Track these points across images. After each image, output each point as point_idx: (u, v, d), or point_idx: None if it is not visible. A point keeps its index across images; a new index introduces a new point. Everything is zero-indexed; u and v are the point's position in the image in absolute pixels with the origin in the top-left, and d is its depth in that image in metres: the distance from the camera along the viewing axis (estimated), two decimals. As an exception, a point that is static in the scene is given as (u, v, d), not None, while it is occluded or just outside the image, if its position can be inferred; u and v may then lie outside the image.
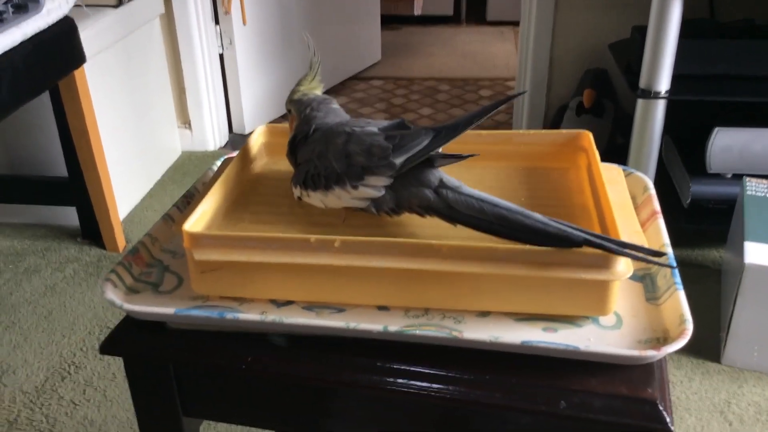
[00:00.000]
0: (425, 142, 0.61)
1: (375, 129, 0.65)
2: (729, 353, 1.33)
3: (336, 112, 0.71)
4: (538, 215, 0.58)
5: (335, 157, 0.64)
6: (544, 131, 0.78)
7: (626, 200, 0.70)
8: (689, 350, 1.37)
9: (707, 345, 1.38)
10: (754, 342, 1.30)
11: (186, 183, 2.11)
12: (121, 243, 1.77)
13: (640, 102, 1.50)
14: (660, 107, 1.49)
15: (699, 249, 1.70)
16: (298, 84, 0.75)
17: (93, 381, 1.35)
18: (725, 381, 1.31)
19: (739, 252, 1.29)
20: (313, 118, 0.70)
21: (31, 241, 1.82)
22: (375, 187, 0.63)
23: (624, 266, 0.57)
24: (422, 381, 0.58)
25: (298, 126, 0.71)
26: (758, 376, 1.31)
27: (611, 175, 0.74)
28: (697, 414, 1.24)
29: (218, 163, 0.83)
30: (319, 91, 0.75)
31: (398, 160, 0.61)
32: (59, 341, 1.46)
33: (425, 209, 0.63)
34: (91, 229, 1.77)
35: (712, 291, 1.53)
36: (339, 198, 0.65)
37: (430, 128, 0.62)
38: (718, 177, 1.58)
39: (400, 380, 0.58)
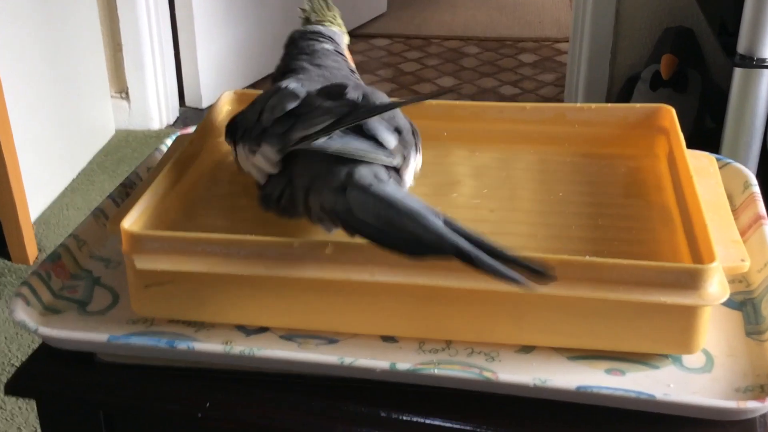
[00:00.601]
0: (326, 122, 0.62)
1: (316, 88, 0.68)
2: None
3: (330, 68, 0.73)
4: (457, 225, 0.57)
5: (255, 109, 0.68)
6: (609, 105, 0.79)
7: (721, 200, 0.70)
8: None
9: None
10: None
11: (121, 172, 2.12)
12: (31, 252, 1.78)
13: (738, 72, 1.51)
14: (765, 79, 1.50)
15: (815, 273, 1.70)
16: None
17: (-9, 437, 1.35)
18: None
19: None
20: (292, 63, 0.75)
21: None
22: (267, 159, 0.65)
23: (718, 287, 0.57)
24: (441, 438, 0.58)
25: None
26: None
27: (700, 165, 0.75)
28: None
29: (168, 142, 0.83)
30: (336, 28, 0.79)
31: (293, 134, 0.63)
32: (-54, 383, 1.47)
33: (326, 213, 0.61)
34: (-8, 232, 1.78)
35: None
36: (244, 160, 0.69)
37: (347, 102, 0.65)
38: (842, 174, 1.58)
39: (411, 437, 0.58)
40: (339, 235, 0.63)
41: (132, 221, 0.63)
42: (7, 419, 1.38)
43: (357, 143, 0.62)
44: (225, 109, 0.82)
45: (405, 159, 0.65)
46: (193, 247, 0.61)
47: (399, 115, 0.68)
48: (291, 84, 0.69)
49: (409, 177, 0.67)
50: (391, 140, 0.64)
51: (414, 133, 0.68)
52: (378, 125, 0.64)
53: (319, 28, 0.78)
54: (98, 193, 2.04)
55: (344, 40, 0.80)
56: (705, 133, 1.94)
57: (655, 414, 0.57)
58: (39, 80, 1.95)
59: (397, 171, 0.64)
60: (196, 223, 0.69)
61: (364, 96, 0.66)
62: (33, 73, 1.92)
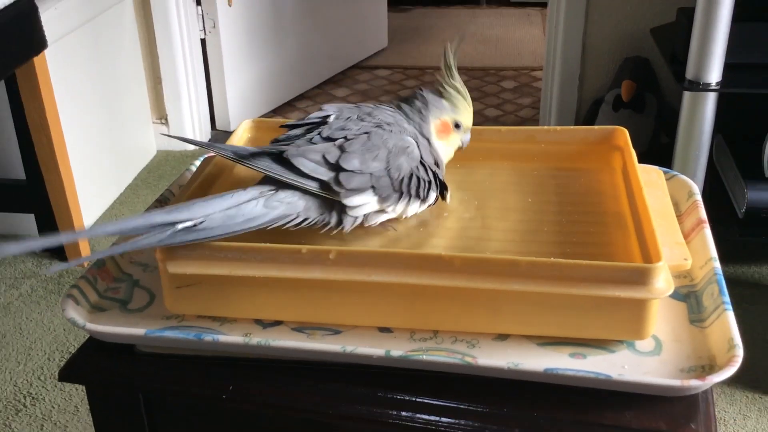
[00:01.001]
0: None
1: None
2: (790, 387, 1.33)
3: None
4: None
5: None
6: (572, 128, 0.79)
7: (668, 207, 0.70)
8: (744, 382, 1.37)
9: (765, 377, 1.38)
10: (819, 374, 1.30)
11: (161, 187, 2.12)
12: (86, 255, 1.77)
13: (686, 95, 1.51)
14: (710, 101, 1.49)
15: (755, 265, 1.69)
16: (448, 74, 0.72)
17: (52, 414, 1.36)
18: (786, 419, 1.31)
19: (802, 269, 1.29)
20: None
21: (-18, 254, 1.83)
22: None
23: (664, 283, 0.57)
24: (430, 414, 0.58)
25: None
26: (824, 414, 1.31)
27: (650, 178, 0.75)
28: (753, 457, 1.24)
29: (197, 163, 0.84)
30: (449, 96, 0.72)
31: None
32: (14, 369, 1.47)
33: None
34: (52, 239, 1.78)
35: (770, 314, 1.53)
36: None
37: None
38: (777, 182, 1.58)
39: (404, 413, 0.58)
40: (339, 242, 0.64)
41: (165, 232, 0.63)
42: (65, 399, 1.39)
43: (274, 166, 0.63)
44: (244, 136, 0.82)
45: (383, 199, 0.66)
46: (216, 253, 0.61)
47: (400, 164, 0.66)
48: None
49: (385, 214, 0.67)
50: (309, 166, 0.63)
51: (411, 184, 0.66)
52: (301, 156, 0.63)
53: (426, 94, 0.72)
54: (142, 205, 2.04)
55: (443, 107, 0.71)
56: (660, 148, 1.94)
57: (612, 391, 0.57)
58: (91, 110, 1.95)
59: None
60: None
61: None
62: (86, 104, 1.93)
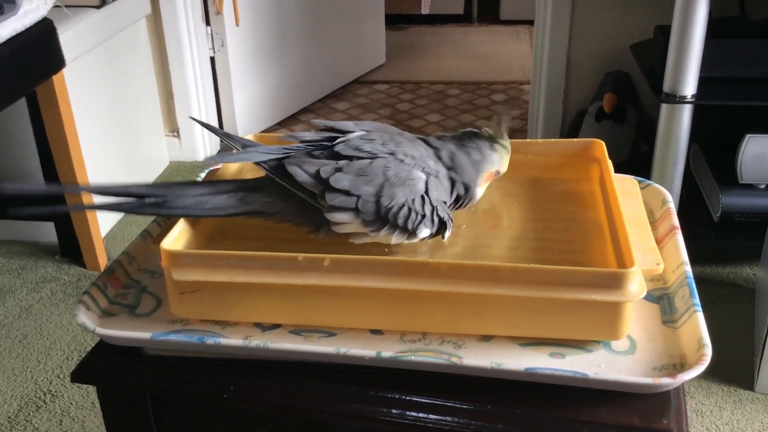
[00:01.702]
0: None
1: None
2: (763, 380, 1.32)
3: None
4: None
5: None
6: (553, 140, 0.79)
7: (641, 215, 0.70)
8: (720, 377, 1.37)
9: (739, 371, 1.38)
10: (789, 368, 1.30)
11: (174, 196, 2.12)
12: (102, 261, 1.78)
13: (664, 107, 1.51)
14: (686, 113, 1.49)
15: (731, 266, 1.69)
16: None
17: (70, 411, 1.36)
18: (759, 410, 1.30)
19: (773, 270, 1.29)
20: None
21: (5, 259, 1.83)
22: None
23: (638, 286, 0.57)
24: (418, 411, 0.58)
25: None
26: (795, 406, 1.31)
27: (625, 187, 0.75)
28: (728, 447, 1.24)
29: (202, 175, 0.84)
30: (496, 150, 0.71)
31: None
32: (34, 367, 1.47)
33: None
34: (71, 246, 1.78)
35: (744, 312, 1.53)
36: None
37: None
38: (750, 188, 1.58)
39: (394, 410, 0.58)
40: (334, 250, 0.64)
41: (170, 242, 0.63)
42: (83, 396, 1.39)
43: (276, 167, 0.66)
44: (246, 149, 0.82)
45: (366, 223, 0.64)
46: (218, 261, 0.61)
47: (394, 193, 0.64)
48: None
49: (368, 237, 0.66)
50: (301, 177, 0.64)
51: (400, 214, 0.64)
52: (297, 166, 0.64)
53: (483, 149, 0.70)
54: (155, 212, 2.04)
55: (494, 162, 0.70)
56: (640, 156, 1.94)
57: (589, 389, 0.57)
58: (107, 124, 1.96)
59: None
60: (222, 242, 0.69)
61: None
62: (102, 119, 1.93)
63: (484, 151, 0.70)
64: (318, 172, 0.64)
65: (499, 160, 0.71)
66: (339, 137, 0.67)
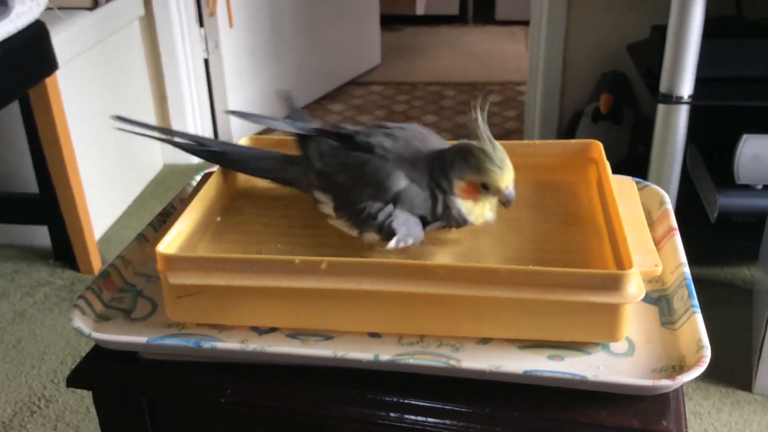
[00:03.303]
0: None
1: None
2: (761, 381, 1.33)
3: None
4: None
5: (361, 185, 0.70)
6: (550, 141, 0.79)
7: (639, 216, 0.70)
8: (718, 378, 1.37)
9: (737, 372, 1.38)
10: (788, 369, 1.30)
11: (168, 198, 2.11)
12: (96, 265, 1.77)
13: (660, 108, 1.51)
14: (683, 113, 1.50)
15: (728, 267, 1.70)
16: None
17: (65, 416, 1.35)
18: (757, 412, 1.31)
19: (770, 270, 1.29)
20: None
21: (-2, 264, 1.83)
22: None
23: (636, 288, 0.58)
24: (416, 414, 0.58)
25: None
26: (793, 407, 1.31)
27: (623, 188, 0.75)
28: (727, 449, 1.24)
29: (197, 177, 0.83)
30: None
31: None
32: (28, 372, 1.47)
33: None
34: (64, 249, 1.78)
35: (742, 313, 1.53)
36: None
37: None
38: (747, 188, 1.58)
39: (392, 414, 0.58)
40: (333, 253, 0.64)
41: (165, 245, 0.63)
42: (77, 401, 1.38)
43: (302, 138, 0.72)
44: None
45: (336, 208, 0.68)
46: (214, 265, 0.61)
47: (363, 190, 0.65)
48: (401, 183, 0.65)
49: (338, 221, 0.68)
50: (313, 155, 0.70)
51: (357, 208, 0.65)
52: (314, 143, 0.71)
53: (453, 157, 0.65)
54: (150, 216, 2.04)
55: (464, 169, 0.64)
56: (637, 157, 1.94)
57: (588, 391, 0.57)
58: (100, 126, 1.95)
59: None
60: (219, 246, 0.69)
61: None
62: (95, 121, 1.93)
63: (454, 161, 0.64)
64: (320, 152, 0.69)
65: (474, 169, 0.64)
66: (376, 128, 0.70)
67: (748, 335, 1.46)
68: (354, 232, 0.67)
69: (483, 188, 0.65)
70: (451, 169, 0.65)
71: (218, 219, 0.73)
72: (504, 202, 0.66)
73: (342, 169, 0.68)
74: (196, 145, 0.75)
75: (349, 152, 0.68)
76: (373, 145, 0.67)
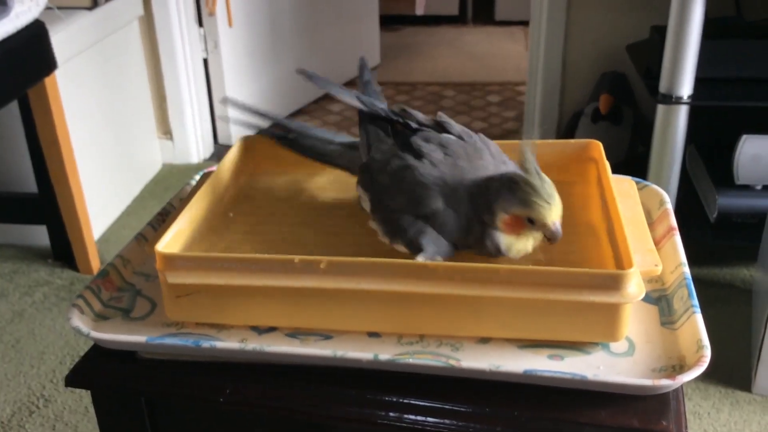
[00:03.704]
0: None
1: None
2: (761, 381, 1.33)
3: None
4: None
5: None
6: (550, 141, 0.79)
7: (639, 216, 0.70)
8: (717, 378, 1.37)
9: (737, 372, 1.38)
10: (787, 369, 1.30)
11: (167, 198, 2.11)
12: (95, 264, 1.77)
13: (660, 108, 1.51)
14: (682, 114, 1.50)
15: (727, 267, 1.70)
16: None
17: (64, 416, 1.35)
18: (757, 412, 1.31)
19: (770, 271, 1.29)
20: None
21: (-3, 263, 1.83)
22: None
23: (636, 288, 0.57)
24: (416, 414, 0.58)
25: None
26: (793, 407, 1.31)
27: (623, 188, 0.75)
28: (726, 449, 1.24)
29: (197, 177, 0.83)
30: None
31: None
32: (27, 372, 1.47)
33: None
34: (63, 249, 1.78)
35: (741, 313, 1.53)
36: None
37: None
38: (746, 188, 1.58)
39: (392, 413, 0.58)
40: (333, 252, 0.64)
41: (165, 244, 0.63)
42: (76, 400, 1.38)
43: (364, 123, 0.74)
44: (241, 152, 0.82)
45: (372, 211, 0.67)
46: (213, 264, 0.61)
47: (398, 199, 0.65)
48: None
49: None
50: (362, 143, 0.72)
51: (390, 216, 0.65)
52: (375, 128, 0.72)
53: (500, 189, 0.61)
54: (149, 215, 2.03)
55: (511, 202, 0.61)
56: (637, 157, 1.94)
57: (588, 391, 0.57)
58: (99, 126, 1.95)
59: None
60: (218, 245, 0.69)
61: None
62: (95, 121, 1.93)
63: (501, 192, 0.61)
64: (374, 142, 0.70)
65: (521, 202, 0.60)
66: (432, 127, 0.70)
67: (748, 335, 1.46)
68: (385, 240, 0.65)
69: (528, 222, 0.61)
70: (496, 201, 0.61)
71: (231, 215, 0.74)
72: (550, 238, 0.62)
73: (385, 168, 0.66)
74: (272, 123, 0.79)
75: (399, 153, 0.66)
76: (425, 153, 0.65)
